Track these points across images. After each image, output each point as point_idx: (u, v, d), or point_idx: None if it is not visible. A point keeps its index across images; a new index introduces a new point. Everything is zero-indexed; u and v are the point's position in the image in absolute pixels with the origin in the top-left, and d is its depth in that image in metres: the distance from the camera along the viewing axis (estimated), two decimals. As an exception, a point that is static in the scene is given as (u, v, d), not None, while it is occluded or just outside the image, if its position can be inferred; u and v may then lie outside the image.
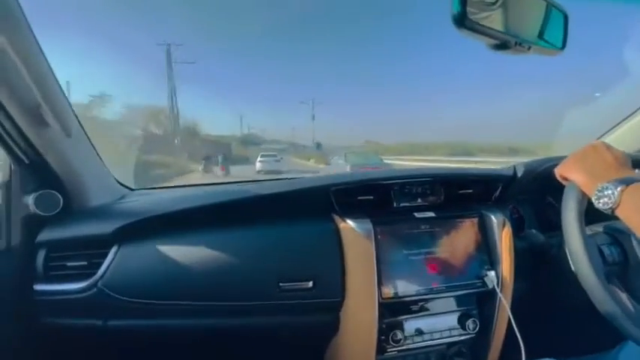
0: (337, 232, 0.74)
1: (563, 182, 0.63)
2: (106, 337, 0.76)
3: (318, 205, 0.78)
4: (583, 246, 0.59)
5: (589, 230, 0.69)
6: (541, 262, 0.81)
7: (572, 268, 0.61)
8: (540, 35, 0.59)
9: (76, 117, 0.77)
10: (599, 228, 0.73)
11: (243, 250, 0.72)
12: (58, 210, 0.75)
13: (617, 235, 0.69)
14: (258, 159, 14.33)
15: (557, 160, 0.83)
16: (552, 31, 0.60)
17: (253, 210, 0.78)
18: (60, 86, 0.69)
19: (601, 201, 0.51)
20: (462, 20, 0.45)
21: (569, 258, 0.62)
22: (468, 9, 0.46)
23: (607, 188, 0.50)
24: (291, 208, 0.78)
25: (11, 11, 0.54)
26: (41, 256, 0.71)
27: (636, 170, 0.65)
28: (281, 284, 0.71)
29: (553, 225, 0.83)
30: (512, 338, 0.66)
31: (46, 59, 0.63)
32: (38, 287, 0.70)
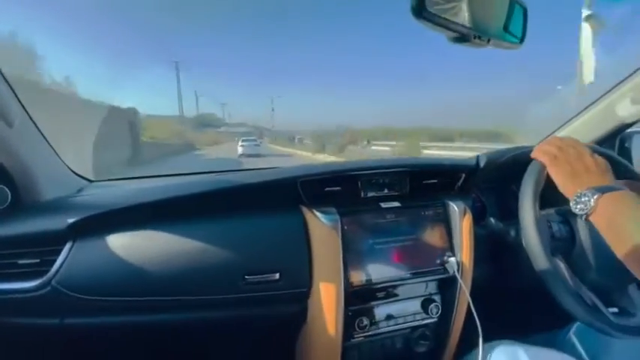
0: (304, 224, 0.74)
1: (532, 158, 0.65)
2: (63, 337, 0.73)
3: (285, 196, 0.77)
4: (533, 218, 0.63)
5: (543, 212, 0.72)
6: (500, 249, 0.85)
7: (523, 241, 0.65)
8: (501, 29, 0.60)
9: (22, 105, 0.72)
10: (551, 210, 0.76)
11: (208, 244, 0.70)
12: (6, 205, 0.70)
13: (568, 216, 0.72)
14: (240, 143, 16.04)
15: (518, 150, 0.87)
16: (513, 25, 0.61)
17: (218, 202, 0.76)
18: (1, 74, 0.63)
19: (577, 206, 0.53)
20: (419, 11, 0.45)
21: (521, 232, 0.66)
22: (432, -1, 0.46)
23: (584, 195, 0.52)
24: (258, 200, 0.77)
25: None
26: None
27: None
28: (247, 277, 0.70)
29: (514, 213, 0.87)
30: (472, 321, 0.69)
31: None
32: None
